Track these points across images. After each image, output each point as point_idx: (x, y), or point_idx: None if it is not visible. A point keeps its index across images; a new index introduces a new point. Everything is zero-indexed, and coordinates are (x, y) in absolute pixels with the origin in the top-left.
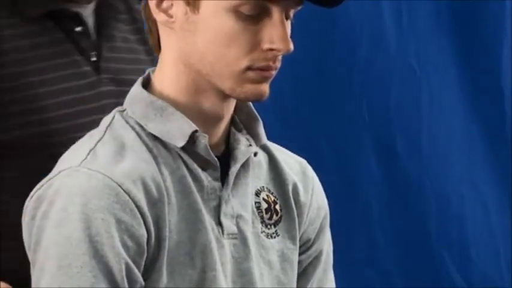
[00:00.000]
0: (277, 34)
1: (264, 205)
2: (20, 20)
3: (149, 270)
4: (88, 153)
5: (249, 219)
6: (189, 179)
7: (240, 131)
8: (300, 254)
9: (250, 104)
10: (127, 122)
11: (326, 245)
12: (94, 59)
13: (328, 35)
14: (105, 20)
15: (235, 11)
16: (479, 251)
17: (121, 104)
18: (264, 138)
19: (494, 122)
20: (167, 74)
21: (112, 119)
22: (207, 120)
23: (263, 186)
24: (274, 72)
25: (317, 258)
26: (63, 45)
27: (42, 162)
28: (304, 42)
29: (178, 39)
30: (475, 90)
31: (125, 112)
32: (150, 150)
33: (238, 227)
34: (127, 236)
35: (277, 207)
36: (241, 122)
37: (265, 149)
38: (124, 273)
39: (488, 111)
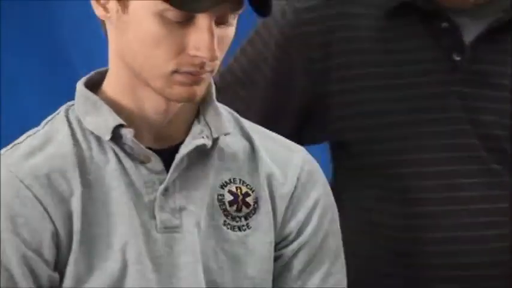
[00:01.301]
0: (202, 42)
1: (229, 197)
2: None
3: (66, 263)
4: (12, 146)
5: (199, 212)
6: (117, 173)
7: (200, 122)
8: (283, 247)
9: (212, 94)
10: (67, 117)
11: (316, 237)
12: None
13: None
14: None
15: (161, 16)
16: None
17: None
18: (221, 130)
19: None
20: (111, 70)
21: (56, 114)
22: (149, 114)
23: (234, 178)
24: (206, 76)
25: (300, 250)
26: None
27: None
28: None
29: (116, 36)
30: None
31: (72, 107)
32: (78, 145)
33: (181, 221)
34: (27, 230)
35: (249, 199)
36: (202, 113)
37: (249, 139)
38: (22, 266)
39: None
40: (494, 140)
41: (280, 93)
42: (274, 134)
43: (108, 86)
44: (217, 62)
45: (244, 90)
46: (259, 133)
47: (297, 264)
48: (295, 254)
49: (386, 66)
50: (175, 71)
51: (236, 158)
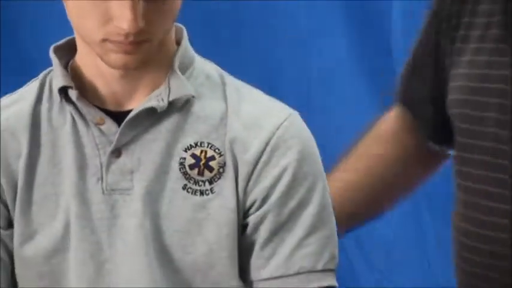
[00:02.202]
0: (123, 14)
1: (190, 161)
2: None
3: (13, 221)
4: None
5: (151, 176)
6: (70, 134)
7: (163, 86)
8: (250, 214)
9: (176, 60)
10: (42, 79)
11: (285, 206)
12: None
13: None
14: None
15: None
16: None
17: None
18: (179, 93)
19: (386, 83)
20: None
21: (41, 74)
22: (108, 78)
23: (202, 142)
24: (144, 45)
25: (266, 218)
26: None
27: None
28: None
29: (66, 7)
30: (364, 51)
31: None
32: (39, 106)
33: (130, 183)
34: None
35: (214, 163)
36: (168, 78)
37: (226, 102)
38: None
39: (377, 73)
40: None
41: None
42: (262, 98)
43: (78, 49)
44: (156, 32)
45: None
46: (242, 96)
47: (264, 232)
48: (261, 221)
49: None
50: (105, 39)
51: (207, 121)
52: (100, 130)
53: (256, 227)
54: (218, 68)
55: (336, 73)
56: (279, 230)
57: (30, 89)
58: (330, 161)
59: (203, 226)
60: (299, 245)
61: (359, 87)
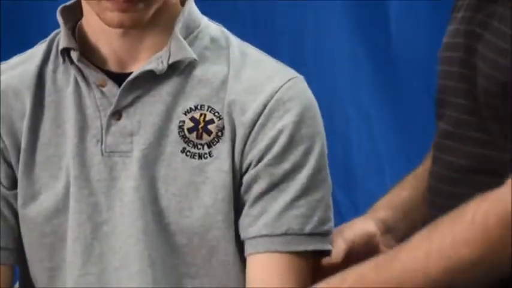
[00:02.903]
0: None
1: (189, 124)
2: None
3: (17, 181)
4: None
5: (150, 139)
6: (72, 96)
7: (164, 49)
8: (245, 174)
9: (178, 23)
10: (51, 40)
11: (278, 167)
12: None
13: None
14: None
15: None
16: (364, 170)
17: None
18: (178, 55)
19: (379, 44)
20: None
21: (52, 34)
22: (111, 39)
23: (202, 105)
24: (140, 6)
25: (260, 177)
26: None
27: None
28: None
29: None
30: (360, 13)
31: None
32: (45, 67)
33: (130, 146)
34: None
35: (212, 126)
36: (170, 41)
37: (229, 66)
38: None
39: (373, 34)
40: None
41: None
42: (267, 63)
43: (83, 9)
44: None
45: None
46: (246, 60)
47: (255, 191)
48: (254, 179)
49: None
50: None
51: (208, 84)
52: (102, 92)
53: (249, 186)
54: (225, 30)
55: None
56: (270, 190)
57: (38, 49)
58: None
59: (201, 190)
60: (289, 206)
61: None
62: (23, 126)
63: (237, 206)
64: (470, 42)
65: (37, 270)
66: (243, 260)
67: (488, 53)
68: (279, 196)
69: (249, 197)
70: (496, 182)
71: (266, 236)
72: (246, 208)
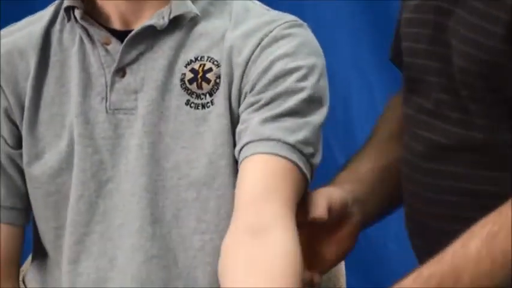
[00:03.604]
0: None
1: (189, 76)
2: None
3: (21, 141)
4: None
5: (155, 95)
6: (77, 54)
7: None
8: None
9: None
10: (61, 1)
11: (269, 94)
12: None
13: None
14: None
15: None
16: (363, 131)
17: None
18: (179, 10)
19: (380, 5)
20: None
21: None
22: None
23: (201, 56)
24: None
25: (252, 105)
26: None
27: None
28: None
29: None
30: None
31: None
32: (52, 27)
33: (134, 103)
34: None
35: (210, 75)
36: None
37: (234, 19)
38: None
39: None
40: None
41: None
42: (270, 12)
43: None
44: None
45: None
46: (248, 15)
47: (246, 113)
48: (245, 107)
49: None
50: None
51: (209, 37)
52: (106, 50)
53: (241, 113)
54: None
55: None
56: (259, 109)
57: (47, 11)
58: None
59: (204, 139)
60: (274, 119)
61: None
62: (28, 86)
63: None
64: (440, 18)
65: (45, 229)
66: None
67: (462, 30)
68: (265, 112)
69: (241, 122)
70: (477, 159)
71: (250, 142)
72: (237, 131)
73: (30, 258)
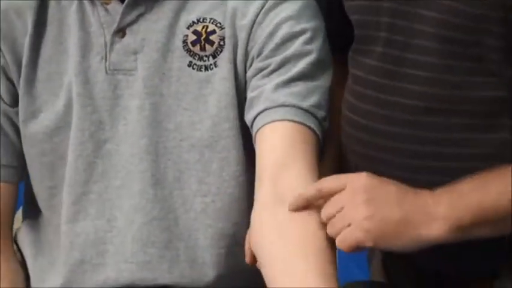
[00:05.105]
0: None
1: (192, 37)
2: None
3: (18, 99)
4: None
5: (155, 56)
6: (76, 14)
7: None
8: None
9: None
10: None
11: (278, 57)
12: None
13: None
14: None
15: None
16: None
17: None
18: None
19: None
20: None
21: None
22: None
23: (204, 18)
24: None
25: (262, 70)
26: None
27: None
28: None
29: None
30: None
31: None
32: None
33: (134, 64)
34: None
35: (214, 37)
36: None
37: None
38: None
39: None
40: None
41: None
42: None
43: None
44: None
45: None
46: None
47: (255, 79)
48: (254, 73)
49: None
50: None
51: None
52: (106, 9)
53: (250, 81)
54: None
55: None
56: (268, 75)
57: None
58: None
59: (208, 101)
60: (286, 84)
61: None
62: (25, 44)
63: (243, 112)
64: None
65: (39, 189)
66: (252, 171)
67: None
68: (276, 78)
69: (250, 87)
70: (451, 123)
71: (266, 109)
72: (247, 99)
73: (19, 216)
